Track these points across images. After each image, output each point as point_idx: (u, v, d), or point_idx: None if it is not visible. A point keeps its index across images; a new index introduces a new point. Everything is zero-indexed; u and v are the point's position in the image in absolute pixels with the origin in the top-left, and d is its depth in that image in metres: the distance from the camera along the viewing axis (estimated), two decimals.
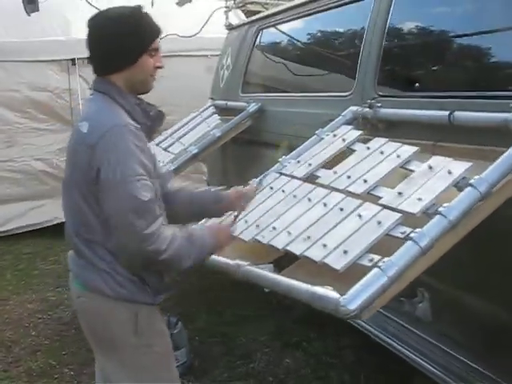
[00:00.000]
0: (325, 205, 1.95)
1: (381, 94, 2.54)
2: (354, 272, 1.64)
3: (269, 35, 3.79)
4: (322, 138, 2.49)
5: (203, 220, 2.20)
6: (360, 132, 2.34)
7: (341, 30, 3.03)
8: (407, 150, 1.99)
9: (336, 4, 2.93)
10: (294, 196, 2.12)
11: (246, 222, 2.12)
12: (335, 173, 2.12)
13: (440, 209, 1.60)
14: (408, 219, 1.68)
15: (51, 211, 5.10)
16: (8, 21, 5.04)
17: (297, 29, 3.42)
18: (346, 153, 2.29)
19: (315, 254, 1.72)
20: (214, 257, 1.90)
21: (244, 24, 4.21)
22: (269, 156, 3.55)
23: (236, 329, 3.48)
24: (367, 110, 2.48)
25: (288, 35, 3.60)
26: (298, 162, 2.39)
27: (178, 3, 4.84)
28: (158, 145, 3.89)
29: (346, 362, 3.06)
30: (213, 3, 4.85)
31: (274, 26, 3.66)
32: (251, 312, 3.67)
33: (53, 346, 3.40)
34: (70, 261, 1.81)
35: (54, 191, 5.31)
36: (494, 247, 1.88)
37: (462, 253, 1.69)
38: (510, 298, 1.86)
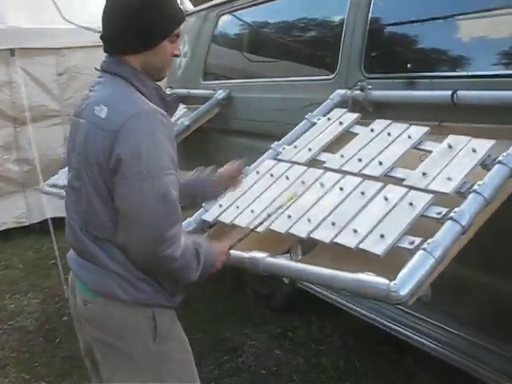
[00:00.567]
0: (341, 189, 1.89)
1: (367, 76, 2.52)
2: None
3: (233, 20, 3.67)
4: (314, 123, 2.43)
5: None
6: (357, 114, 2.31)
7: (317, 13, 2.96)
8: (417, 131, 1.98)
9: None
10: (303, 182, 2.04)
11: (253, 211, 2.03)
12: (342, 156, 2.07)
13: (475, 187, 1.59)
14: (438, 199, 1.66)
15: None
16: None
17: (267, 12, 3.32)
18: (345, 136, 2.25)
19: (347, 240, 1.66)
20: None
21: (201, 10, 4.06)
22: (238, 143, 3.48)
23: (216, 324, 3.38)
24: (358, 92, 2.45)
25: (257, 20, 3.50)
26: (295, 147, 2.32)
27: None
28: None
29: (334, 347, 3.05)
30: None
31: (238, 10, 3.55)
32: (228, 306, 3.59)
33: (22, 358, 3.16)
34: (71, 263, 1.65)
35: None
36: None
37: None
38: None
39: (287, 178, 2.12)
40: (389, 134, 2.05)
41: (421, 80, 2.30)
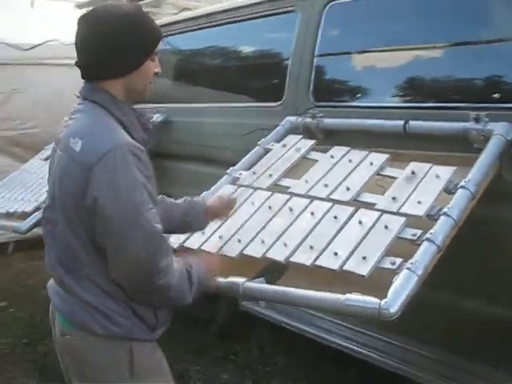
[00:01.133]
0: (312, 214, 1.97)
1: (316, 104, 2.64)
2: (344, 275, 1.71)
3: (172, 43, 3.67)
4: (269, 149, 2.50)
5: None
6: (314, 141, 2.41)
7: (263, 40, 3.07)
8: (378, 158, 2.11)
9: (257, 15, 2.97)
10: (269, 207, 2.10)
11: (221, 237, 2.05)
12: (307, 182, 2.15)
13: (445, 210, 1.73)
14: (409, 222, 1.79)
15: None
16: None
17: (210, 38, 3.37)
18: (304, 162, 2.34)
19: (329, 262, 1.73)
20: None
21: None
22: (176, 168, 3.47)
23: None
24: (309, 120, 2.56)
25: (199, 44, 3.53)
26: (254, 173, 2.37)
27: (78, 6, 4.44)
28: (46, 160, 3.55)
29: (280, 368, 3.10)
30: None
31: (177, 34, 3.56)
32: (164, 333, 3.51)
33: None
34: (51, 293, 1.59)
35: None
36: None
37: None
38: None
39: (252, 204, 2.16)
40: (350, 161, 2.17)
41: (367, 110, 2.47)
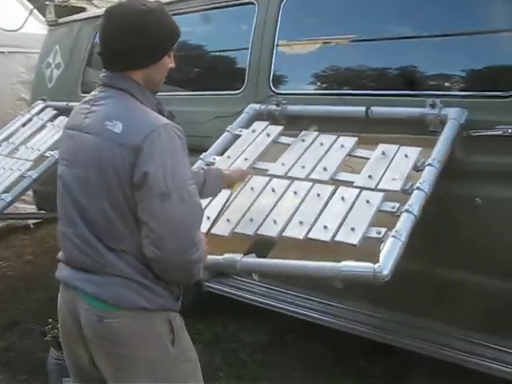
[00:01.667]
0: (295, 193, 2.14)
1: (276, 91, 2.82)
2: (328, 249, 1.92)
3: None
4: (238, 135, 2.65)
5: None
6: (282, 127, 2.58)
7: (224, 32, 3.19)
8: (348, 141, 2.32)
9: (218, 5, 3.08)
10: (252, 188, 2.25)
11: (209, 218, 2.17)
12: (283, 164, 2.32)
13: (417, 185, 1.97)
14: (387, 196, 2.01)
15: None
16: None
17: None
18: (274, 146, 2.51)
19: (320, 235, 1.92)
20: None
21: (74, 21, 3.98)
22: None
23: None
24: (274, 107, 2.73)
25: None
26: (229, 157, 2.50)
27: None
28: None
29: (246, 343, 3.27)
30: None
31: None
32: None
33: None
34: (76, 281, 1.60)
35: None
36: None
37: None
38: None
39: None
40: (321, 144, 2.36)
41: (325, 96, 2.68)
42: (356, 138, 2.32)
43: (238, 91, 2.97)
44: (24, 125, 3.68)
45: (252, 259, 1.98)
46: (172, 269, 1.54)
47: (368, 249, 1.87)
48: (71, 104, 3.76)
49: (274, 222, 2.05)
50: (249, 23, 2.94)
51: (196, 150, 2.56)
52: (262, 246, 2.11)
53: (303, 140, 2.43)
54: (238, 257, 1.98)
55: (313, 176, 2.21)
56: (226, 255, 2.00)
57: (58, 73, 3.97)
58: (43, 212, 4.39)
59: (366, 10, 2.62)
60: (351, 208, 1.99)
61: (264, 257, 2.05)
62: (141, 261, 1.55)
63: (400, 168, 2.08)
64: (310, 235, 1.95)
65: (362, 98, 2.53)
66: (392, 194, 2.01)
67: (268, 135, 2.55)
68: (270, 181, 2.26)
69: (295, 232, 1.98)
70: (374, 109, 2.42)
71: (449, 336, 2.41)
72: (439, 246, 2.30)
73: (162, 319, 1.60)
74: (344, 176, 2.18)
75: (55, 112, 3.71)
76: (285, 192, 2.18)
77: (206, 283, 3.17)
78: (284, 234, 2.00)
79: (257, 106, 2.79)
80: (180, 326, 1.66)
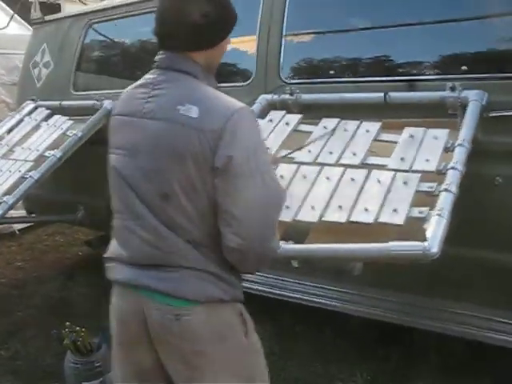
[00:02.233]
0: (328, 178, 2.16)
1: (287, 81, 2.82)
2: (362, 228, 1.94)
3: (111, 29, 3.61)
4: None
5: None
6: (300, 115, 2.59)
7: None
8: (373, 125, 2.34)
9: None
10: (282, 176, 2.24)
11: None
12: (310, 152, 2.33)
13: (451, 165, 2.01)
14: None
15: None
16: None
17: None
18: (295, 135, 2.51)
19: (363, 217, 1.94)
20: None
21: (61, 18, 3.88)
22: None
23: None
24: (287, 96, 2.73)
25: (143, 28, 3.51)
26: None
27: None
28: None
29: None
30: None
31: (120, 18, 3.51)
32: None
33: None
34: (144, 280, 1.49)
35: None
36: None
37: None
38: None
39: None
40: (345, 130, 2.38)
41: (338, 84, 2.71)
42: (380, 123, 2.35)
43: (245, 82, 2.96)
44: (14, 127, 3.56)
45: (293, 246, 1.98)
46: (254, 258, 1.48)
47: (405, 229, 1.90)
48: (64, 103, 3.69)
49: (312, 207, 2.06)
50: (255, 13, 2.93)
51: None
52: (295, 233, 2.12)
53: (325, 127, 2.44)
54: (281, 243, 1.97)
55: (343, 161, 2.22)
56: None
57: (46, 71, 3.86)
58: (33, 216, 4.28)
59: None
60: (389, 190, 2.01)
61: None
62: (216, 252, 1.48)
63: (431, 149, 2.12)
64: (352, 218, 1.96)
65: (377, 85, 2.56)
66: (426, 175, 2.05)
67: (287, 124, 2.55)
68: (298, 168, 2.27)
69: (336, 216, 1.99)
70: (392, 94, 2.45)
71: (467, 315, 2.48)
72: (460, 226, 2.36)
73: (235, 311, 1.54)
74: (374, 160, 2.20)
75: (48, 111, 3.60)
76: (316, 178, 2.19)
77: None
78: (324, 218, 2.01)
79: (269, 97, 2.78)
80: (248, 316, 1.62)
